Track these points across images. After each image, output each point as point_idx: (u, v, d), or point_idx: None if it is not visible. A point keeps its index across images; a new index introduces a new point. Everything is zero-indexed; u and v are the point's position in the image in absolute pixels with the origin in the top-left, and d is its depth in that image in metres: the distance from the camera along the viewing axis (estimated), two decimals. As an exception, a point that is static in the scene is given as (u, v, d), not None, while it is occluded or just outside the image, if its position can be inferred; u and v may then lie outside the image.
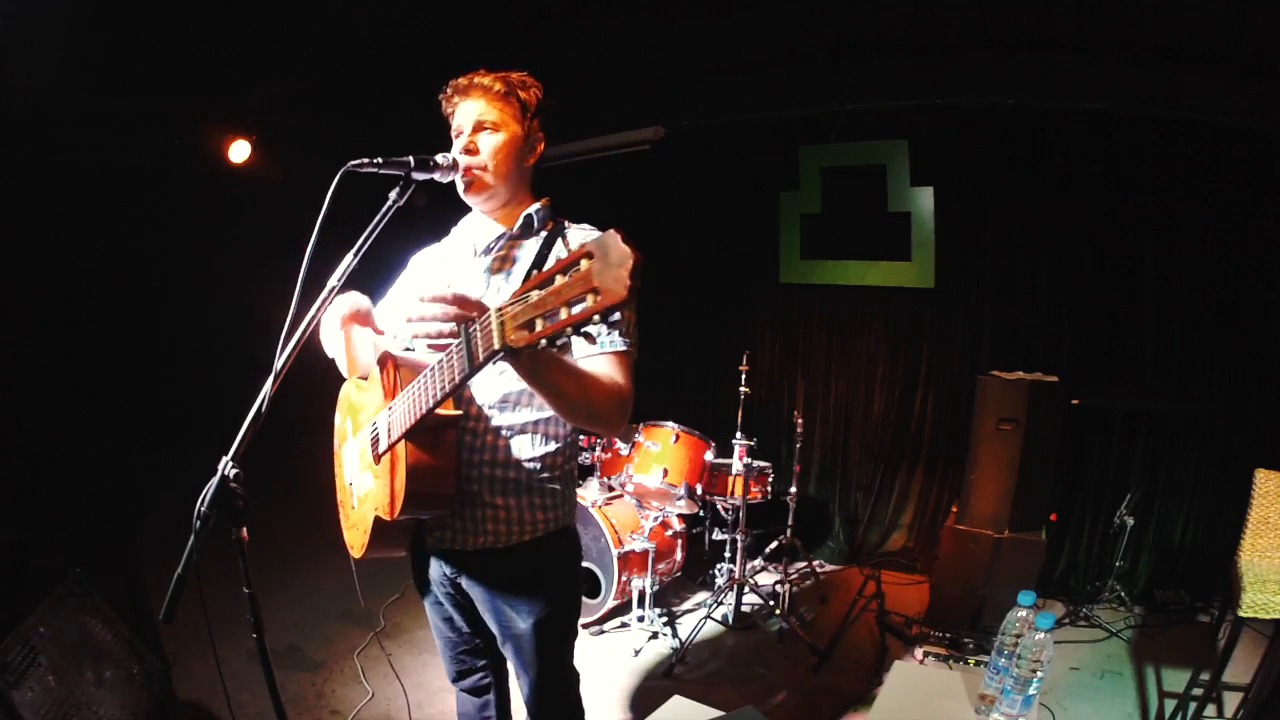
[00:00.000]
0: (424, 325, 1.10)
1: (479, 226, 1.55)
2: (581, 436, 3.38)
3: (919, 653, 3.03)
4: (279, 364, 1.25)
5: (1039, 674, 1.40)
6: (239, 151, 3.98)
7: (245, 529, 1.20)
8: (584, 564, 2.87)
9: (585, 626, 3.21)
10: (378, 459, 1.40)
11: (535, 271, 1.39)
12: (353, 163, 1.29)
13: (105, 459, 3.88)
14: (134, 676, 2.16)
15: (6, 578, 2.34)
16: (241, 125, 3.96)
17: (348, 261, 1.33)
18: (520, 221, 1.49)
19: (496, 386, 1.44)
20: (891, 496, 4.24)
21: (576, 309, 0.88)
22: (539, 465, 1.47)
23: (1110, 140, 3.47)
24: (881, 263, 4.08)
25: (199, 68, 3.37)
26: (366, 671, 2.84)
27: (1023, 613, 1.47)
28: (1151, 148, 3.40)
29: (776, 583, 3.69)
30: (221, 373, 3.34)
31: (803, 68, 3.68)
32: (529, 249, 1.48)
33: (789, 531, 3.71)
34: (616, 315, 0.85)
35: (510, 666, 1.66)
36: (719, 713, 1.76)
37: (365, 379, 1.55)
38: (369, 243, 1.34)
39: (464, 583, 1.53)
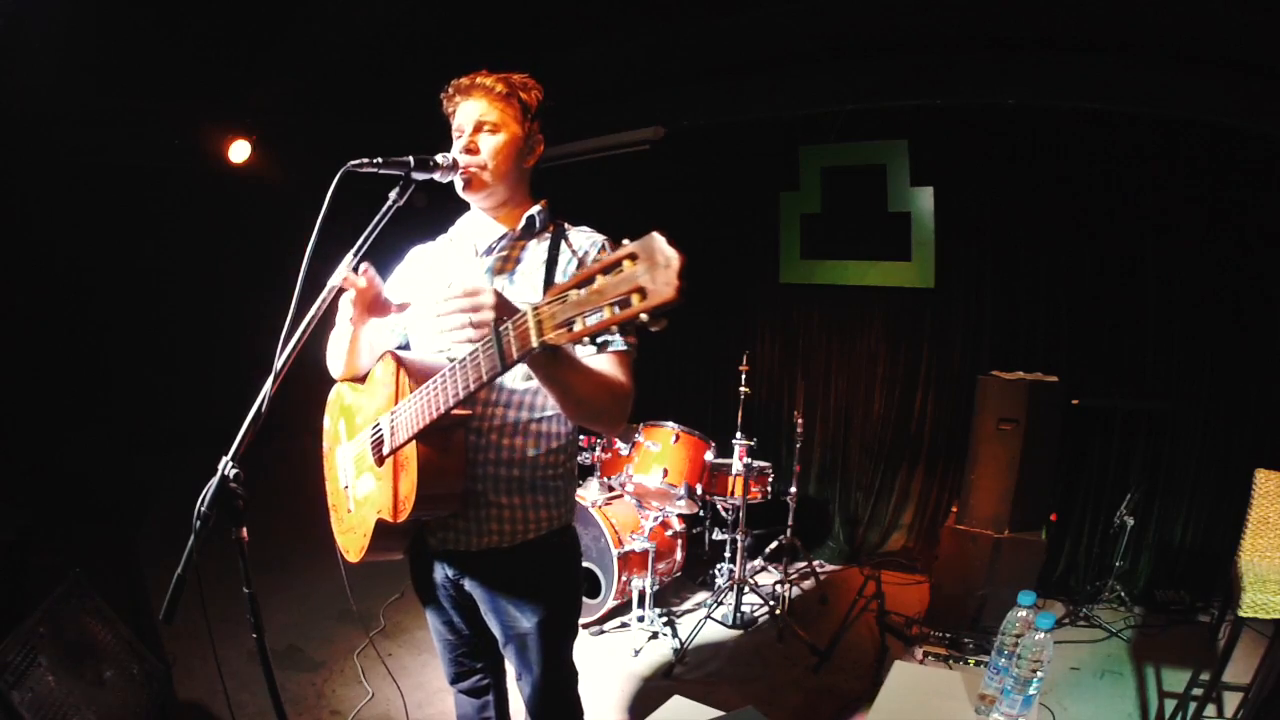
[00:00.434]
0: (454, 319, 1.12)
1: (479, 226, 1.55)
2: (581, 436, 3.39)
3: (919, 653, 3.03)
4: (279, 364, 1.25)
5: (1039, 674, 1.40)
6: (239, 151, 3.97)
7: (245, 529, 1.20)
8: (584, 564, 2.87)
9: (585, 626, 3.21)
10: (381, 461, 1.39)
11: (548, 273, 1.41)
12: (353, 163, 1.30)
13: (105, 459, 3.87)
14: (134, 676, 2.16)
15: (6, 578, 2.33)
16: (241, 125, 3.95)
17: (348, 261, 1.34)
18: (523, 223, 1.50)
19: (501, 385, 1.44)
20: (891, 496, 4.24)
21: (620, 309, 0.89)
22: (542, 463, 1.48)
23: (1110, 140, 3.47)
24: (881, 263, 4.09)
25: (199, 68, 3.37)
26: (366, 671, 2.84)
27: (1023, 613, 1.48)
28: (1151, 147, 3.40)
29: (776, 583, 3.70)
30: (221, 373, 3.33)
31: (803, 68, 3.68)
32: (533, 250, 1.48)
33: (789, 531, 3.71)
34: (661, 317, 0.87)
35: (510, 667, 1.66)
36: (719, 713, 1.75)
37: (360, 381, 1.54)
38: (369, 243, 1.34)
39: (467, 584, 1.53)
